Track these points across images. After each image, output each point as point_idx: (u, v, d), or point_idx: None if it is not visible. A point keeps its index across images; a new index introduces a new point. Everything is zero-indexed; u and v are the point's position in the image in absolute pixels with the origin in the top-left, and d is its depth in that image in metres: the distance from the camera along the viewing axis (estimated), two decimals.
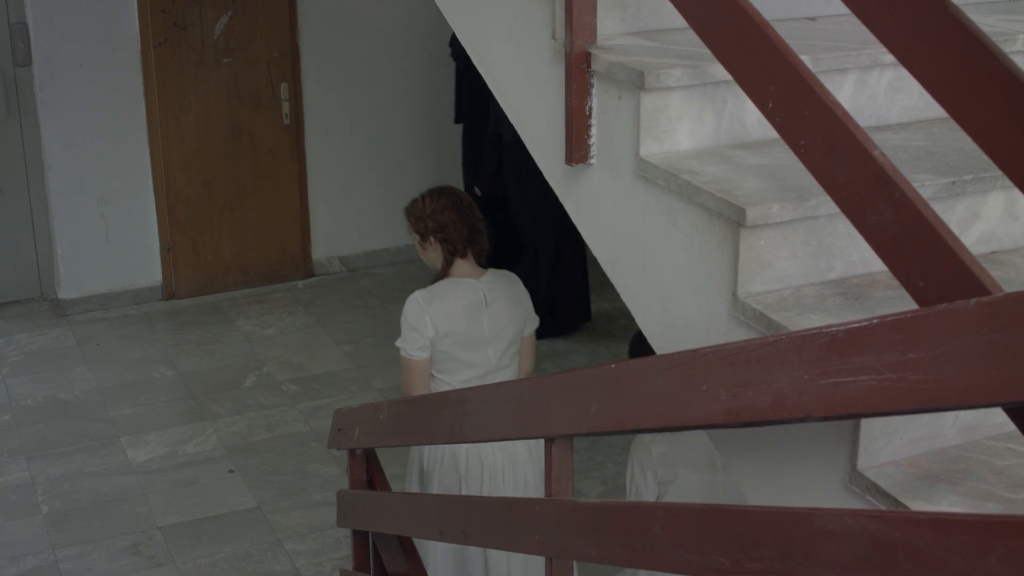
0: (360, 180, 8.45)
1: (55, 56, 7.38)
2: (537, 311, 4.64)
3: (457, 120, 8.00)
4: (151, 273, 8.05)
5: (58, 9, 7.30)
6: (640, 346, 3.70)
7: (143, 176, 7.80)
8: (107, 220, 7.77)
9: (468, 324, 4.39)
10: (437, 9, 3.53)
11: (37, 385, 6.94)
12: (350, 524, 4.11)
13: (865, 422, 2.15)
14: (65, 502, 5.80)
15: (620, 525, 2.43)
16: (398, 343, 4.41)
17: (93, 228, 7.76)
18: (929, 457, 2.21)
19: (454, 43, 7.33)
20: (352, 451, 4.05)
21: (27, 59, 7.48)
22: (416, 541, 3.89)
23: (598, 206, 2.89)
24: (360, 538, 4.13)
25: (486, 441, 3.22)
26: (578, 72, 2.79)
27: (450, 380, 4.39)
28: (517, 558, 4.40)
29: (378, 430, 3.73)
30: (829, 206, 2.33)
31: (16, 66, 7.57)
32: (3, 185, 7.72)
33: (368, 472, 4.07)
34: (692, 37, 2.60)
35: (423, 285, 4.45)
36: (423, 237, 4.49)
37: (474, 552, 4.43)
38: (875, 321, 1.73)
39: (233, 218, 8.03)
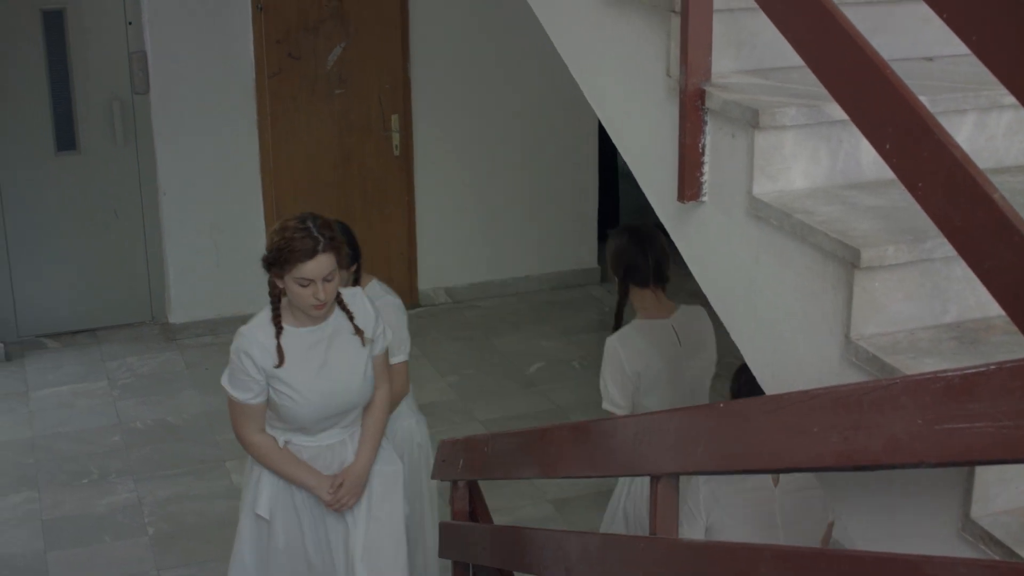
0: (467, 212, 8.49)
1: (172, 84, 7.51)
2: None
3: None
4: (260, 300, 8.13)
5: (176, 38, 7.44)
6: (743, 383, 3.66)
7: (254, 203, 7.90)
8: (218, 246, 7.88)
9: (664, 365, 4.31)
10: (550, 43, 3.55)
11: (146, 408, 7.04)
12: (451, 555, 4.12)
13: (979, 469, 2.12)
14: (171, 524, 5.87)
15: (724, 566, 2.41)
16: (604, 395, 4.35)
17: (204, 254, 7.87)
18: None
19: None
20: (455, 482, 4.06)
21: (145, 87, 7.62)
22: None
23: (709, 244, 2.87)
24: (460, 570, 4.14)
25: (589, 477, 3.18)
26: (692, 109, 2.79)
27: None
28: None
29: (482, 462, 3.73)
30: (946, 249, 2.29)
31: (134, 94, 7.72)
32: (118, 210, 7.86)
33: (470, 504, 4.07)
34: (808, 76, 2.59)
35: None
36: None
37: None
38: (992, 367, 1.70)
39: None
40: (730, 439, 2.45)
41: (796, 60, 2.63)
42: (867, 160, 2.73)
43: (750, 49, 2.96)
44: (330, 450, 4.10)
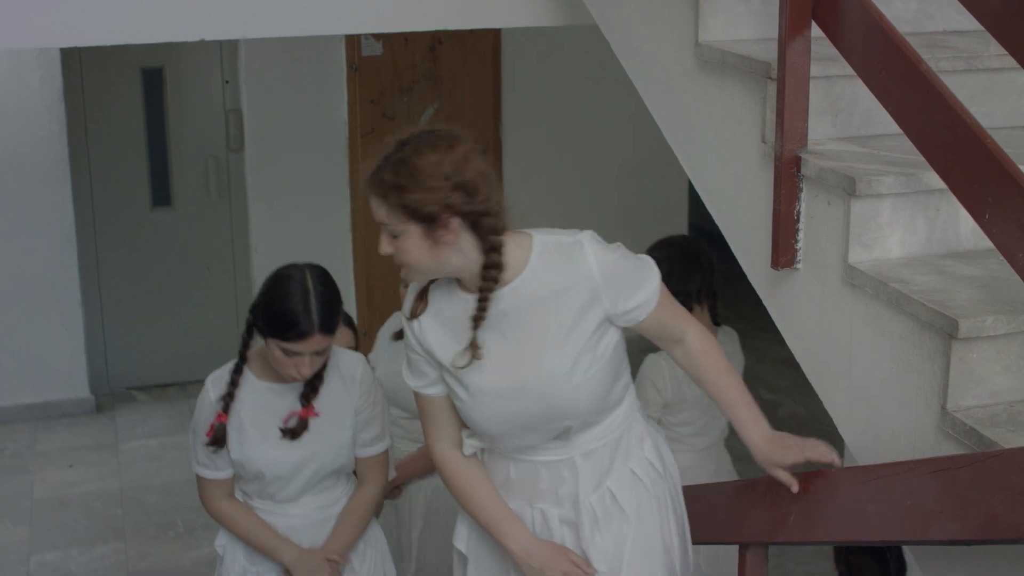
0: None
1: (266, 142, 7.59)
2: None
3: None
4: None
5: (272, 97, 7.53)
6: None
7: (344, 261, 7.95)
8: None
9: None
10: (643, 106, 3.55)
11: None
12: None
13: None
14: None
15: None
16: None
17: None
18: None
19: None
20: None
21: (240, 144, 7.72)
22: None
23: (803, 311, 2.85)
24: None
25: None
26: (787, 176, 2.78)
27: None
28: None
29: None
30: None
31: (229, 151, 7.82)
32: (210, 265, 7.95)
33: None
34: (905, 143, 2.57)
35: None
36: None
37: None
38: None
39: None
40: (821, 509, 2.42)
41: (893, 128, 2.62)
42: (965, 229, 2.70)
43: (847, 116, 2.95)
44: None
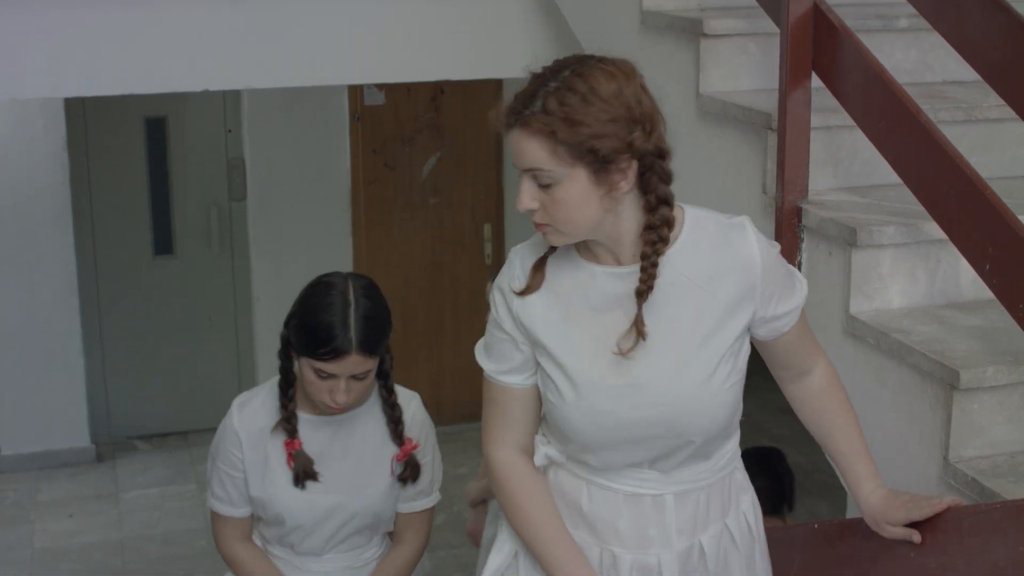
0: None
1: (269, 191, 7.61)
2: None
3: None
4: None
5: (274, 146, 7.54)
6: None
7: None
8: None
9: None
10: None
11: None
12: None
13: None
14: None
15: None
16: None
17: None
18: None
19: None
20: None
21: (242, 194, 7.74)
22: None
23: None
24: None
25: None
26: (788, 226, 2.78)
27: None
28: None
29: None
30: None
31: (232, 200, 7.83)
32: (212, 315, 7.95)
33: None
34: (905, 194, 2.58)
35: None
36: None
37: None
38: None
39: (430, 356, 8.12)
40: (824, 559, 2.41)
41: (894, 178, 2.63)
42: (966, 280, 2.71)
43: (847, 166, 2.96)
44: None
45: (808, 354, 2.35)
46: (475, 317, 8.19)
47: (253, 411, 2.98)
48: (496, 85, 7.78)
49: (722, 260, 2.21)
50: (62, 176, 7.09)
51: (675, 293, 2.19)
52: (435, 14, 4.34)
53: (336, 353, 2.78)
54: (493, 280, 2.40)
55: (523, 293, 2.27)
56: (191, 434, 7.92)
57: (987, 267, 2.27)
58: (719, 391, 2.21)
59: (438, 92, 7.66)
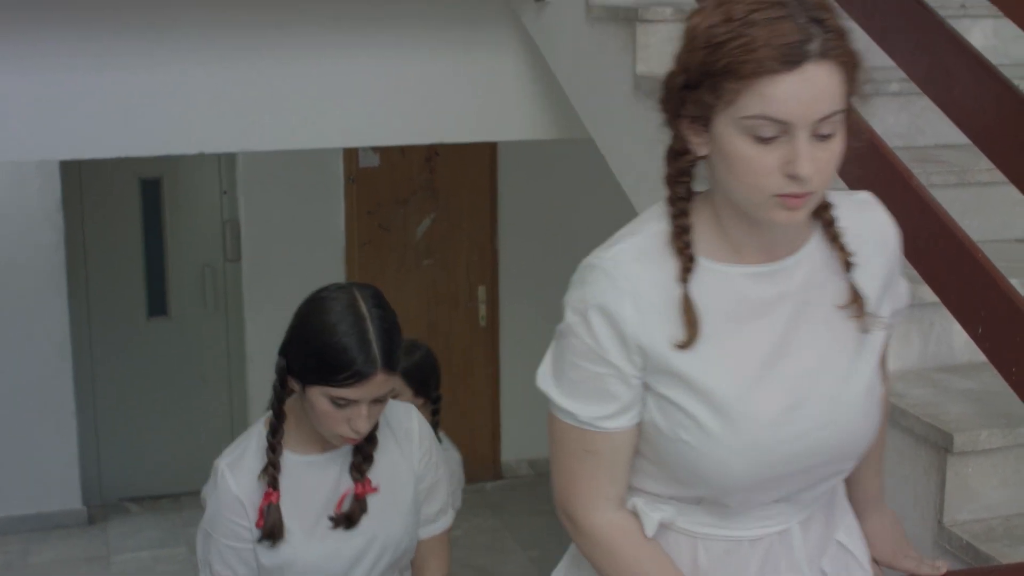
0: None
1: (263, 252, 7.62)
2: None
3: None
4: None
5: (269, 208, 7.56)
6: None
7: None
8: None
9: None
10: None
11: None
12: None
13: None
14: None
15: None
16: None
17: None
18: None
19: None
20: None
21: (237, 255, 7.75)
22: None
23: None
24: None
25: None
26: None
27: None
28: None
29: None
30: None
31: (226, 261, 7.84)
32: (205, 376, 7.94)
33: None
34: None
35: None
36: None
37: None
38: None
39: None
40: None
41: None
42: (959, 343, 2.71)
43: None
44: None
45: (884, 376, 2.01)
46: (470, 378, 8.19)
47: (248, 470, 2.58)
48: (491, 146, 7.82)
49: (865, 243, 1.87)
50: (57, 237, 7.10)
51: (821, 286, 1.84)
52: (430, 77, 4.36)
53: (360, 376, 2.40)
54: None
55: (684, 276, 1.80)
56: (184, 496, 7.87)
57: (980, 330, 2.27)
58: (876, 402, 1.89)
59: (433, 154, 7.69)
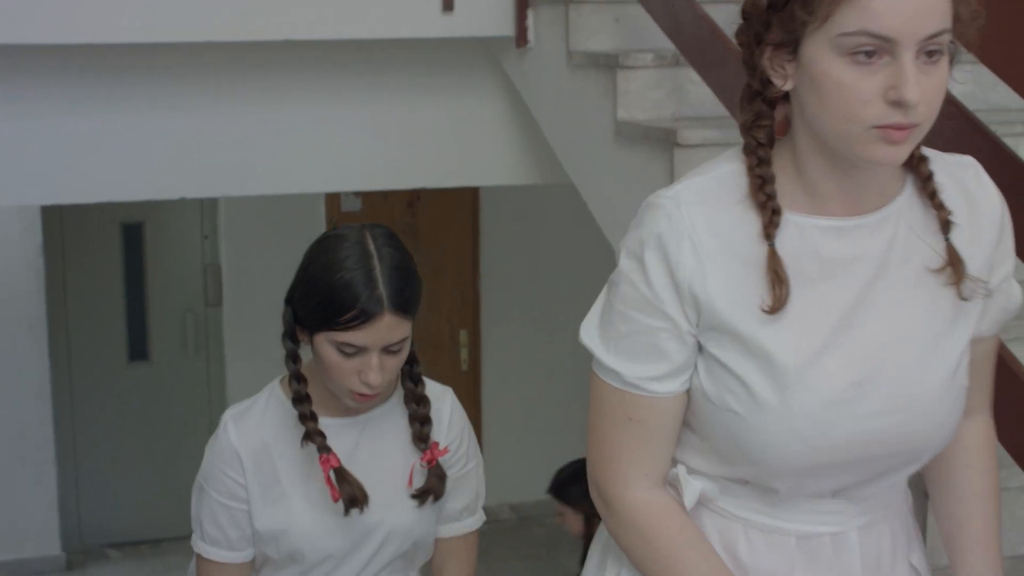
0: (534, 427, 8.45)
1: (245, 297, 7.59)
2: None
3: None
4: None
5: (251, 252, 7.55)
6: None
7: None
8: None
9: None
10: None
11: None
12: None
13: None
14: None
15: None
16: None
17: None
18: None
19: None
20: None
21: (218, 299, 7.73)
22: None
23: None
24: None
25: None
26: None
27: None
28: None
29: None
30: None
31: (208, 306, 7.82)
32: (186, 421, 7.91)
33: None
34: None
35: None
36: None
37: None
38: None
39: None
40: None
41: None
42: None
43: None
44: None
45: (987, 386, 1.80)
46: None
47: (254, 423, 2.35)
48: (473, 192, 7.83)
49: (966, 208, 1.67)
50: (37, 282, 7.08)
51: (908, 248, 1.64)
52: (411, 123, 4.38)
53: (365, 316, 2.14)
54: None
55: (769, 234, 1.59)
56: (164, 542, 7.83)
57: None
58: (961, 391, 1.67)
59: (415, 198, 7.70)
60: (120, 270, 7.66)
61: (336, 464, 2.24)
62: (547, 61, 3.99)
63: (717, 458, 1.68)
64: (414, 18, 4.12)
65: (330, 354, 2.18)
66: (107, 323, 7.68)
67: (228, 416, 2.39)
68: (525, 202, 7.87)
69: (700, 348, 1.63)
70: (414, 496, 2.28)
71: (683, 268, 1.59)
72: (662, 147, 3.28)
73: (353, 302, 2.14)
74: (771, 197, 1.59)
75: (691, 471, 1.71)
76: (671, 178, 3.20)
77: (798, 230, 1.60)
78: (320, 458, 2.24)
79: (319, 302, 2.19)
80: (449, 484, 2.35)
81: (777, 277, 1.56)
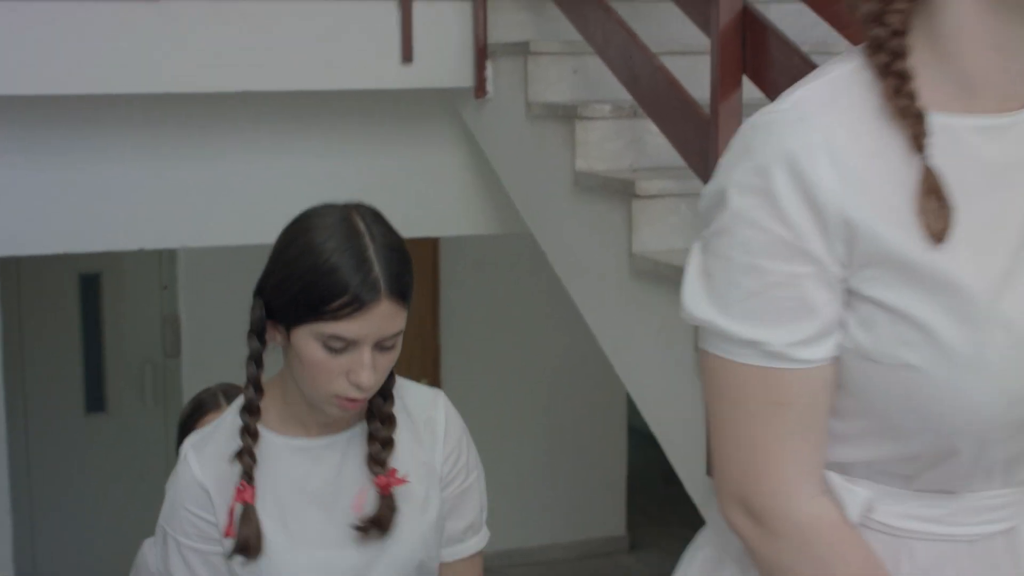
0: (493, 477, 8.36)
1: (204, 348, 7.57)
2: None
3: None
4: None
5: (210, 303, 7.52)
6: None
7: None
8: None
9: None
10: (579, 313, 3.59)
11: None
12: None
13: None
14: None
15: None
16: None
17: None
18: None
19: None
20: None
21: (176, 350, 7.70)
22: None
23: None
24: None
25: None
26: None
27: None
28: None
29: None
30: None
31: (166, 357, 7.79)
32: (144, 472, 7.85)
33: None
34: None
35: None
36: None
37: None
38: None
39: None
40: None
41: None
42: None
43: None
44: None
45: None
46: None
47: (217, 449, 2.01)
48: (432, 243, 7.84)
49: None
50: None
51: None
52: (370, 173, 4.39)
53: (359, 303, 1.82)
54: None
55: (921, 146, 1.30)
56: None
57: None
58: None
59: None
60: (78, 320, 7.63)
61: (250, 500, 1.93)
62: (506, 112, 4.01)
63: (879, 438, 1.36)
64: (373, 69, 4.14)
65: (313, 351, 1.85)
66: (64, 374, 7.64)
67: (188, 445, 2.05)
68: (485, 252, 7.89)
69: (850, 295, 1.32)
70: (358, 528, 1.94)
71: (825, 189, 1.28)
72: (620, 197, 3.30)
73: (344, 288, 1.82)
74: (913, 98, 1.30)
75: (842, 473, 1.39)
76: (629, 228, 3.21)
77: (950, 133, 1.31)
78: (239, 484, 1.93)
79: (301, 288, 1.86)
80: (449, 499, 2.10)
81: (939, 196, 1.28)
